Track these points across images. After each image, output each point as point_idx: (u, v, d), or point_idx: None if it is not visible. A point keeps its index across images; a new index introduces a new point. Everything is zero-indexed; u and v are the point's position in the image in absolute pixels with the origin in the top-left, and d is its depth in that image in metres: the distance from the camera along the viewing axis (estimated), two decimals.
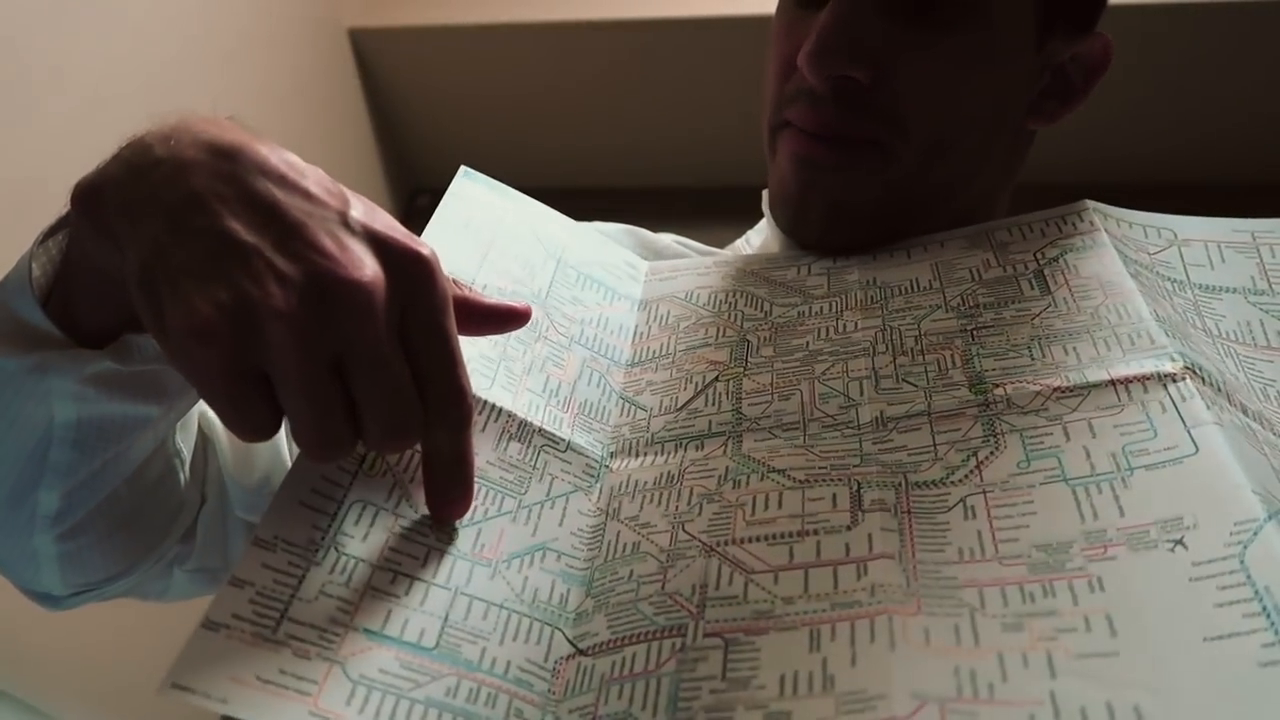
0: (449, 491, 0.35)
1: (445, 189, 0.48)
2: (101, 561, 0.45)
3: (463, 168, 0.50)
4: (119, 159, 0.34)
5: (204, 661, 0.28)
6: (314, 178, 0.33)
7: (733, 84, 1.79)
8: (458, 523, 0.36)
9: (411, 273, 0.32)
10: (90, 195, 0.33)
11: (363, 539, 0.34)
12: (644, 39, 1.86)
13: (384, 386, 0.31)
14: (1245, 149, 1.87)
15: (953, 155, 0.51)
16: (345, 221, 0.32)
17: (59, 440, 0.39)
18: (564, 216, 0.53)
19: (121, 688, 1.28)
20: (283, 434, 0.52)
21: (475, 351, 0.42)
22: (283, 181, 0.32)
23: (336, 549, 0.33)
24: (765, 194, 0.58)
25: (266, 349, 0.29)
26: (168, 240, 0.30)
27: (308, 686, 0.29)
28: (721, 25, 1.79)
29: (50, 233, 0.38)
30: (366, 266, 0.31)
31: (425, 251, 0.32)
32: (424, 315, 0.32)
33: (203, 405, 0.52)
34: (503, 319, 0.39)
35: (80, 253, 0.36)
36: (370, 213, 0.33)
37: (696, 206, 2.04)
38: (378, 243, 0.32)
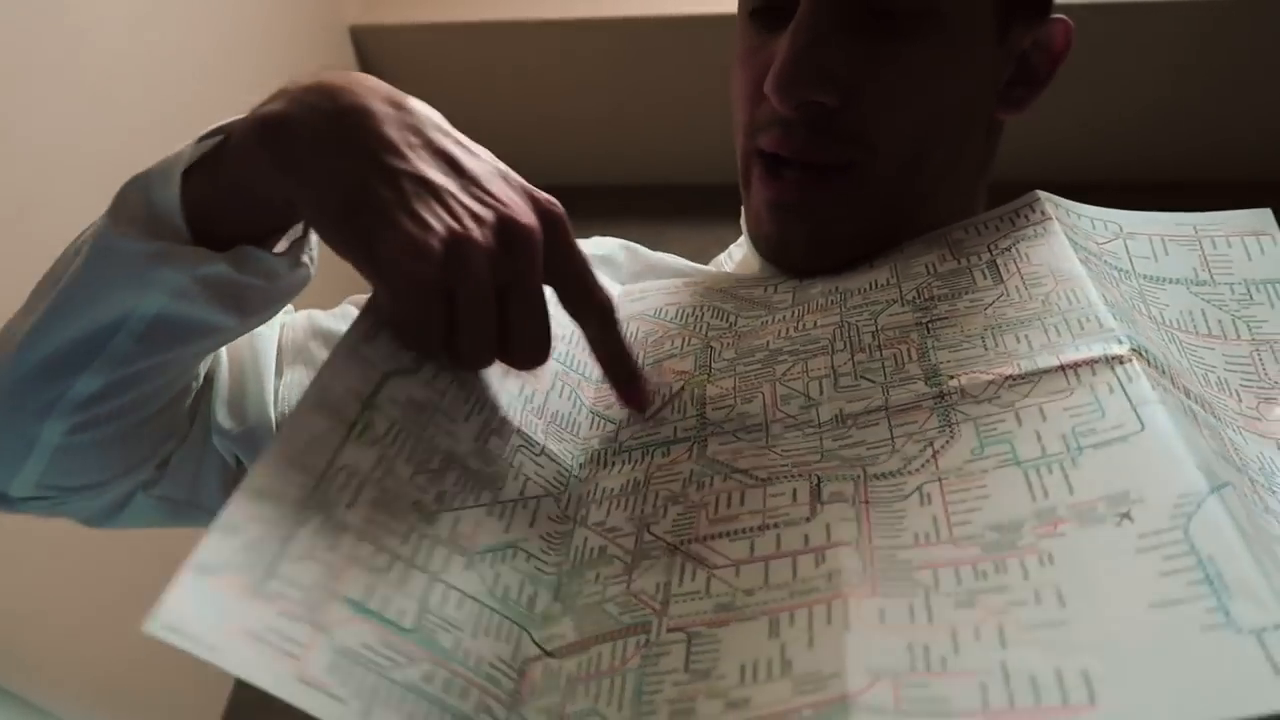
0: (626, 366, 0.43)
1: None
2: (91, 466, 0.46)
3: None
4: (299, 102, 0.38)
5: (193, 606, 0.27)
6: (464, 136, 0.40)
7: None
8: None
9: (552, 221, 0.39)
10: (279, 129, 0.38)
11: (348, 505, 0.34)
12: (646, 37, 1.87)
13: (535, 311, 0.38)
14: (1244, 148, 1.86)
15: (930, 163, 0.51)
16: (504, 175, 0.39)
17: (128, 331, 0.41)
18: None
19: (121, 687, 1.28)
20: (270, 397, 0.52)
21: None
22: (447, 135, 0.39)
23: (324, 511, 0.33)
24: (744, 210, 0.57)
25: (466, 274, 0.36)
26: (374, 179, 0.36)
27: (294, 649, 0.29)
28: (724, 24, 1.79)
29: (205, 138, 0.41)
30: (532, 215, 0.38)
31: (558, 207, 0.40)
32: (563, 251, 0.39)
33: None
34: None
35: (236, 171, 0.39)
36: (509, 170, 0.40)
37: (698, 204, 2.03)
38: (528, 195, 0.39)
